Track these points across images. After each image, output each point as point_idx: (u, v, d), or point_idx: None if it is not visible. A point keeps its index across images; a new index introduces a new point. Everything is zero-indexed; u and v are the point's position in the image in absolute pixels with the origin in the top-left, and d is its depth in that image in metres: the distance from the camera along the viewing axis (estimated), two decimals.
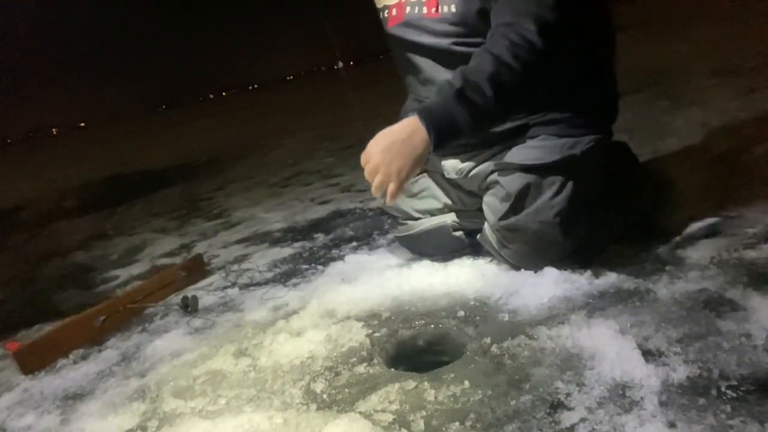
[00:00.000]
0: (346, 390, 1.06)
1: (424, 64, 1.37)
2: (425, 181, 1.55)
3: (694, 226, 1.41)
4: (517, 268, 1.35)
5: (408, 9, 1.34)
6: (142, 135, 13.51)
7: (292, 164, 3.99)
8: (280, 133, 6.29)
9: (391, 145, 1.16)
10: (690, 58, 4.13)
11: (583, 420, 0.84)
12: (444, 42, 1.29)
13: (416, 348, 1.22)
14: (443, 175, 1.49)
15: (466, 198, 1.49)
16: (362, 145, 1.21)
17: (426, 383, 1.01)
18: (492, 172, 1.36)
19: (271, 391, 1.11)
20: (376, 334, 1.24)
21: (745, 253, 1.22)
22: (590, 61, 1.34)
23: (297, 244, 2.06)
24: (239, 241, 2.29)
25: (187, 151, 6.58)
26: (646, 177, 1.58)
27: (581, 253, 1.30)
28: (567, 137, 1.28)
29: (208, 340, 1.41)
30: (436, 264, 1.51)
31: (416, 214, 1.56)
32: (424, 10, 1.31)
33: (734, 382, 0.85)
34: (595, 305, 1.15)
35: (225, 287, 1.76)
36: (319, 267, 1.75)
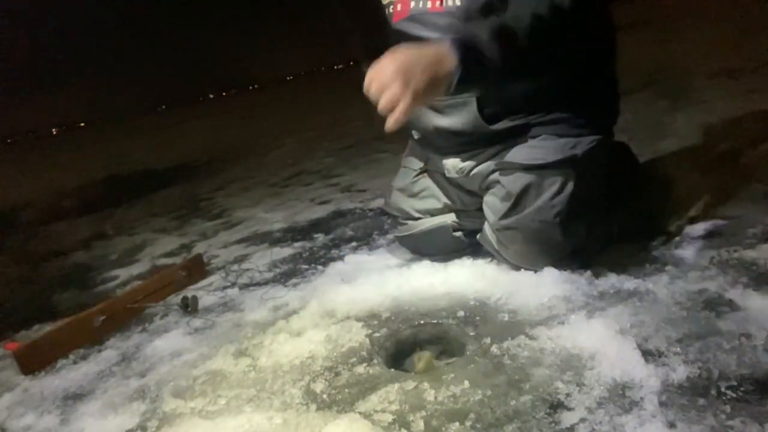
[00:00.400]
0: (346, 390, 1.06)
1: None
2: (425, 181, 1.55)
3: (694, 226, 1.41)
4: (517, 268, 1.35)
5: (413, 4, 1.33)
6: (142, 135, 13.50)
7: (292, 164, 3.99)
8: (280, 133, 6.29)
9: (411, 66, 1.05)
10: (690, 58, 4.13)
11: (583, 420, 0.85)
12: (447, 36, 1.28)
13: (416, 348, 1.22)
14: (444, 175, 1.48)
15: (466, 198, 1.49)
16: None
17: (426, 383, 1.01)
18: (493, 171, 1.36)
19: (271, 391, 1.11)
20: (376, 334, 1.24)
21: (745, 253, 1.22)
22: (592, 62, 1.34)
23: (297, 244, 2.06)
24: (239, 241, 2.29)
25: (187, 151, 6.58)
26: (646, 177, 1.58)
27: (581, 253, 1.30)
28: (568, 137, 1.29)
29: (208, 340, 1.41)
30: (436, 264, 1.51)
31: (416, 214, 1.56)
32: (429, 4, 1.30)
33: (734, 383, 0.85)
34: (595, 305, 1.15)
35: (225, 287, 1.76)
36: (319, 267, 1.75)
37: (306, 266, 1.79)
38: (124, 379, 1.31)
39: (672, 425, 0.80)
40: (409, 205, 1.57)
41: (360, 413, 0.97)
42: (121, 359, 1.42)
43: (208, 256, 2.13)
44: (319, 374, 1.13)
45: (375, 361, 1.15)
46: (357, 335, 1.24)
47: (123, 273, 2.21)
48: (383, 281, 1.48)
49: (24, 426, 1.21)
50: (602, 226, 1.35)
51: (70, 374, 1.39)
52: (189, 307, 1.59)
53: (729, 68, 3.42)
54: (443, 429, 0.90)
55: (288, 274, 1.77)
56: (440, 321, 1.25)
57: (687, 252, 1.30)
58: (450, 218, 1.52)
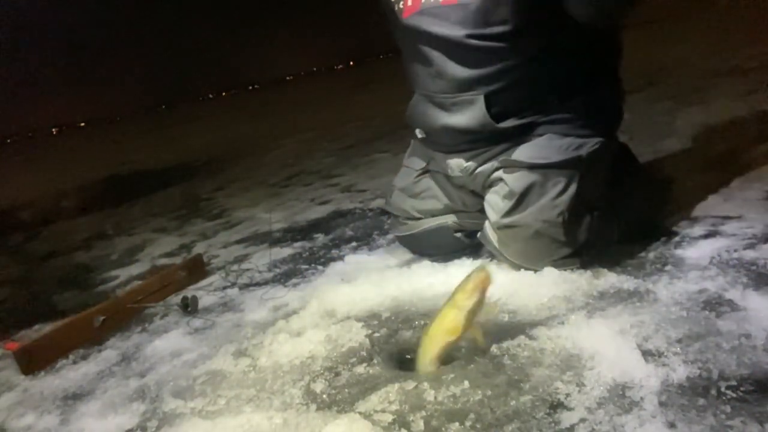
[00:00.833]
0: (346, 390, 1.06)
1: (436, 56, 1.34)
2: (427, 182, 1.55)
3: (694, 226, 1.41)
4: (517, 267, 1.35)
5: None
6: (142, 135, 13.50)
7: (292, 164, 3.99)
8: (280, 133, 6.29)
9: None
10: (690, 58, 4.14)
11: (583, 420, 0.84)
12: (459, 33, 1.27)
13: (416, 348, 1.21)
14: (446, 176, 1.49)
15: (467, 198, 1.49)
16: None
17: (426, 383, 1.01)
18: (497, 169, 1.36)
19: (271, 391, 1.11)
20: (376, 334, 1.24)
21: (745, 253, 1.22)
22: (599, 66, 1.36)
23: (297, 244, 2.06)
24: (239, 241, 2.29)
25: (187, 151, 6.58)
26: (646, 177, 1.58)
27: (582, 254, 1.30)
28: (574, 137, 1.29)
29: (208, 340, 1.41)
30: (436, 264, 1.51)
31: (417, 214, 1.56)
32: None
33: (734, 383, 0.85)
34: (595, 305, 1.15)
35: (225, 287, 1.76)
36: (319, 267, 1.75)
37: (306, 266, 1.79)
38: (124, 379, 1.31)
39: (672, 425, 0.79)
40: (410, 205, 1.57)
41: (360, 413, 0.97)
42: (121, 359, 1.42)
43: (208, 256, 2.13)
44: (319, 374, 1.13)
45: (375, 361, 1.15)
46: (357, 335, 1.24)
47: (123, 273, 2.21)
48: (383, 281, 1.48)
49: (24, 426, 1.21)
50: (604, 228, 1.35)
51: (70, 374, 1.39)
52: (189, 307, 1.59)
53: (729, 68, 3.42)
54: (443, 429, 0.90)
55: (288, 274, 1.77)
56: None
57: (687, 252, 1.30)
58: (451, 219, 1.53)
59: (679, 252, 1.31)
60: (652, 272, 1.24)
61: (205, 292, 1.74)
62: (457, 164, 1.43)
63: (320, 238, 2.07)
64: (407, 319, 1.28)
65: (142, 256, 2.42)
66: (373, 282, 1.49)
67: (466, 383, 0.99)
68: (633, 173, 1.57)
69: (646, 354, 0.96)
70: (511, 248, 1.33)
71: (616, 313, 1.10)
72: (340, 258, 1.77)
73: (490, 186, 1.38)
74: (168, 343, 1.44)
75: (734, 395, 0.83)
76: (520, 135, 1.33)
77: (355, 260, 1.72)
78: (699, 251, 1.28)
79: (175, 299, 1.68)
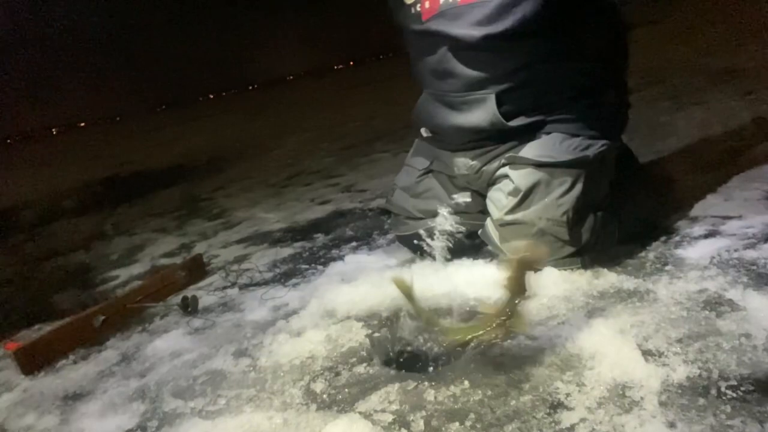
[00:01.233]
0: (346, 390, 1.06)
1: (450, 56, 1.34)
2: (429, 182, 1.55)
3: (694, 226, 1.41)
4: None
5: (442, 0, 1.33)
6: (142, 135, 13.49)
7: (292, 164, 3.99)
8: (280, 133, 6.29)
9: None
10: (690, 58, 4.14)
11: (583, 420, 0.84)
12: (475, 32, 1.27)
13: (416, 348, 1.22)
14: (449, 176, 1.49)
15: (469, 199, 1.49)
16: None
17: (426, 383, 1.01)
18: (502, 165, 1.36)
19: (271, 391, 1.11)
20: (376, 334, 1.24)
21: (745, 253, 1.22)
22: (608, 70, 1.37)
23: (297, 244, 2.06)
24: (239, 241, 2.29)
25: (187, 151, 6.58)
26: (646, 177, 1.59)
27: (583, 254, 1.30)
28: (581, 138, 1.29)
29: (208, 340, 1.41)
30: (436, 264, 1.51)
31: (418, 214, 1.56)
32: None
33: (734, 382, 0.85)
34: (595, 305, 1.15)
35: (225, 287, 1.76)
36: (319, 267, 1.75)
37: (306, 266, 1.79)
38: (124, 379, 1.31)
39: (672, 425, 0.79)
40: (412, 204, 1.57)
41: (360, 413, 0.97)
42: (121, 359, 1.42)
43: (208, 256, 2.13)
44: (319, 374, 1.13)
45: (375, 360, 1.15)
46: (357, 335, 1.24)
47: (123, 273, 2.21)
48: (383, 281, 1.48)
49: (24, 426, 1.21)
50: (606, 229, 1.35)
51: (70, 374, 1.39)
52: (189, 307, 1.59)
53: (729, 68, 3.42)
54: (443, 429, 0.90)
55: (288, 274, 1.77)
56: (440, 321, 1.25)
57: (687, 252, 1.30)
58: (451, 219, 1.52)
59: (679, 252, 1.31)
60: (652, 272, 1.24)
61: (205, 292, 1.74)
62: (463, 162, 1.44)
63: (320, 238, 2.07)
64: (407, 319, 1.28)
65: (142, 256, 2.42)
66: (373, 282, 1.49)
67: (466, 383, 0.99)
68: (633, 173, 1.57)
69: (646, 354, 0.96)
70: (513, 246, 1.33)
71: (616, 313, 1.10)
72: (340, 258, 1.77)
73: (494, 183, 1.39)
74: (168, 343, 1.44)
75: (734, 395, 0.83)
76: (528, 133, 1.33)
77: (355, 260, 1.72)
78: (699, 251, 1.28)
79: (175, 299, 1.68)
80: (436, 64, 1.39)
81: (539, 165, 1.28)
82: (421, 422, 0.92)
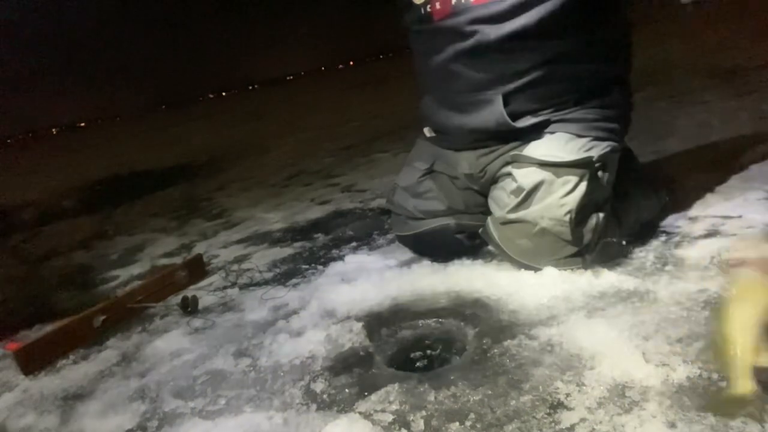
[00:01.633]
0: (346, 390, 1.06)
1: (458, 56, 1.34)
2: (431, 182, 1.55)
3: (694, 226, 1.41)
4: (517, 267, 1.35)
5: (455, 0, 1.32)
6: (142, 135, 13.50)
7: (292, 164, 3.99)
8: (280, 133, 6.29)
9: None
10: (690, 58, 4.14)
11: (583, 420, 0.84)
12: (486, 32, 1.27)
13: (416, 348, 1.22)
14: (450, 177, 1.49)
15: (470, 200, 1.49)
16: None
17: (426, 383, 1.01)
18: (506, 164, 1.36)
19: (271, 391, 1.11)
20: (376, 334, 1.24)
21: None
22: (613, 72, 1.37)
23: (297, 244, 2.06)
24: (239, 241, 2.29)
25: (187, 151, 6.58)
26: (646, 177, 1.59)
27: (584, 254, 1.30)
28: (586, 138, 1.30)
29: (208, 340, 1.41)
30: (436, 264, 1.51)
31: (418, 214, 1.56)
32: None
33: None
34: (595, 305, 1.15)
35: (225, 287, 1.76)
36: (319, 267, 1.75)
37: (306, 266, 1.79)
38: (124, 379, 1.30)
39: (672, 425, 0.79)
40: (413, 204, 1.57)
41: (360, 413, 0.97)
42: (121, 359, 1.42)
43: (208, 256, 2.13)
44: (319, 374, 1.13)
45: (375, 360, 1.15)
46: (357, 335, 1.24)
47: (123, 273, 2.21)
48: (383, 281, 1.48)
49: (24, 426, 1.21)
50: (608, 230, 1.35)
51: (70, 374, 1.39)
52: (189, 307, 1.59)
53: (729, 68, 3.42)
54: (443, 429, 0.90)
55: (288, 274, 1.77)
56: (440, 321, 1.25)
57: (687, 252, 1.30)
58: (452, 220, 1.52)
59: (679, 252, 1.31)
60: (652, 272, 1.24)
61: (205, 292, 1.74)
62: (467, 161, 1.44)
63: (320, 238, 2.07)
64: (407, 319, 1.28)
65: (142, 256, 2.42)
66: (373, 282, 1.49)
67: (466, 383, 0.99)
68: (633, 173, 1.57)
69: (646, 354, 0.96)
70: (514, 245, 1.33)
71: (616, 313, 1.10)
72: (340, 258, 1.77)
73: (497, 182, 1.39)
74: (168, 343, 1.44)
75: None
76: (534, 133, 1.34)
77: (355, 260, 1.71)
78: (699, 251, 1.28)
79: (175, 299, 1.68)
80: (443, 65, 1.38)
81: (543, 164, 1.28)
82: (421, 422, 0.92)
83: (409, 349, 1.21)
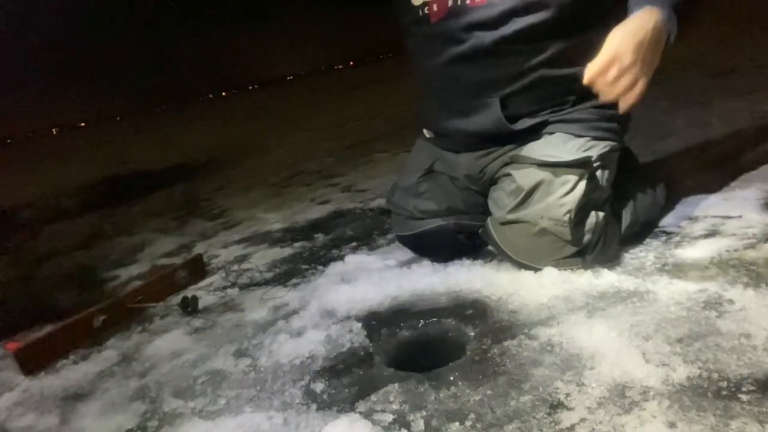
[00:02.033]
0: (346, 390, 1.06)
1: (456, 59, 1.34)
2: (431, 183, 1.55)
3: (694, 226, 1.41)
4: (517, 268, 1.35)
5: (451, 2, 1.31)
6: (142, 135, 13.50)
7: (292, 164, 3.99)
8: (280, 133, 6.29)
9: (642, 41, 1.11)
10: (690, 58, 4.13)
11: (583, 420, 0.84)
12: (484, 35, 1.27)
13: (416, 348, 1.22)
14: (450, 177, 1.49)
15: (470, 200, 1.49)
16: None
17: (426, 383, 1.01)
18: (505, 164, 1.36)
19: (271, 391, 1.11)
20: (376, 334, 1.24)
21: (745, 253, 1.22)
22: None
23: (297, 244, 2.06)
24: (239, 241, 2.29)
25: (187, 151, 6.58)
26: (646, 177, 1.59)
27: (584, 254, 1.30)
28: (585, 138, 1.30)
29: (208, 340, 1.41)
30: (436, 264, 1.51)
31: (418, 214, 1.56)
32: None
33: (734, 382, 0.85)
34: (595, 305, 1.15)
35: (225, 287, 1.76)
36: (319, 267, 1.75)
37: (306, 266, 1.79)
38: (124, 379, 1.31)
39: (672, 425, 0.79)
40: (413, 204, 1.57)
41: (360, 413, 0.97)
42: (121, 359, 1.42)
43: (208, 256, 2.13)
44: (319, 374, 1.13)
45: (375, 360, 1.15)
46: (357, 335, 1.24)
47: (123, 273, 2.21)
48: (383, 281, 1.48)
49: (24, 426, 1.21)
50: (608, 230, 1.35)
51: (70, 374, 1.39)
52: (189, 307, 1.59)
53: (729, 68, 3.42)
54: (443, 429, 0.90)
55: (288, 274, 1.77)
56: (440, 321, 1.25)
57: (687, 252, 1.30)
58: (452, 220, 1.52)
59: (679, 252, 1.31)
60: (652, 272, 1.24)
61: (205, 292, 1.74)
62: (466, 163, 1.44)
63: (320, 238, 2.07)
64: (407, 319, 1.28)
65: (142, 256, 2.42)
66: (373, 282, 1.49)
67: (466, 383, 0.99)
68: (633, 173, 1.57)
69: (646, 354, 0.96)
70: (514, 245, 1.33)
71: (616, 313, 1.10)
72: (340, 258, 1.77)
73: (496, 182, 1.39)
74: (168, 343, 1.44)
75: (734, 395, 0.83)
76: (532, 134, 1.34)
77: (355, 260, 1.71)
78: (699, 251, 1.28)
79: (175, 299, 1.68)
80: (441, 68, 1.38)
81: (542, 164, 1.28)
82: (421, 422, 0.92)
83: (409, 349, 1.21)
